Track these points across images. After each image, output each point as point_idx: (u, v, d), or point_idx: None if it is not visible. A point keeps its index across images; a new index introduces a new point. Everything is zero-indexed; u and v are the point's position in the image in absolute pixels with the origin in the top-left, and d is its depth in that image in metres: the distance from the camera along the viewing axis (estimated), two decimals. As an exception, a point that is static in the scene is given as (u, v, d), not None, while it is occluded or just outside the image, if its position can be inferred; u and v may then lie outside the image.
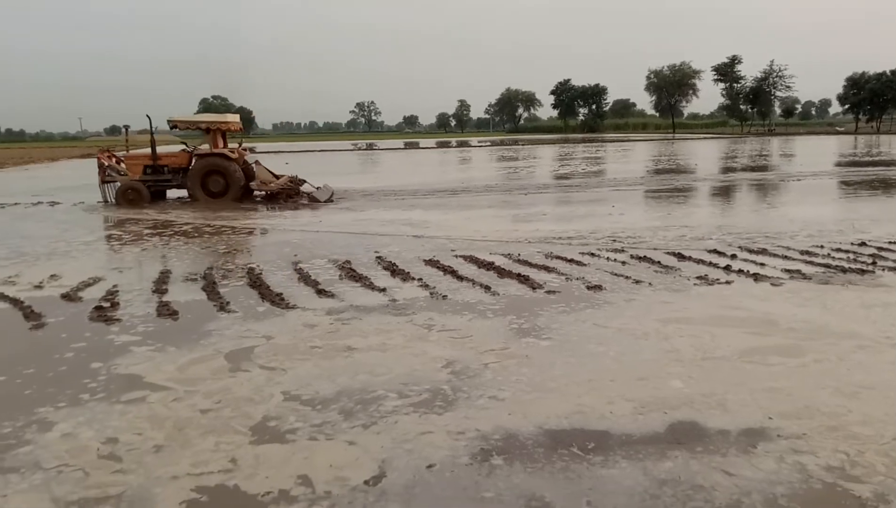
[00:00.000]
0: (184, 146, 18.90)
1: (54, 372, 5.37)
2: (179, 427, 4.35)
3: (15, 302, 7.59)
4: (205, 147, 18.42)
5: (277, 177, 19.19)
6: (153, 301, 7.53)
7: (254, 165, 18.91)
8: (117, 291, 8.03)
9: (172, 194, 19.00)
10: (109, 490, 3.63)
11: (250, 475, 3.76)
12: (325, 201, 17.90)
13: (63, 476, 3.77)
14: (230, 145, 19.08)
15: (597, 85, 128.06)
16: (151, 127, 18.26)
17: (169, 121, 18.19)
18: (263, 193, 18.51)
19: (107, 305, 7.38)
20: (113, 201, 18.03)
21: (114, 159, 18.81)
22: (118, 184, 18.16)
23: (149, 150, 18.43)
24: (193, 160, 18.21)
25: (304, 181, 19.66)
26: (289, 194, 18.45)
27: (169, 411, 4.60)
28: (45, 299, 7.76)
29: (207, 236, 12.52)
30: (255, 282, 8.30)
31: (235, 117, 19.18)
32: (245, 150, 19.31)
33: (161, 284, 8.34)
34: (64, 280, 8.71)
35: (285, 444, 4.12)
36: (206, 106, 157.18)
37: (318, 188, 19.23)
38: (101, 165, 18.47)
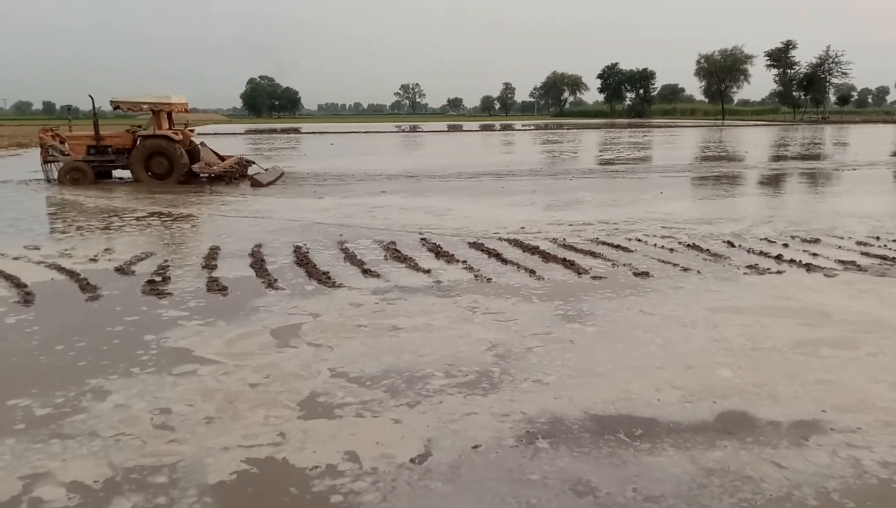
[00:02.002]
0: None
1: (108, 345, 5.52)
2: (230, 400, 4.44)
3: (71, 274, 7.83)
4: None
5: (223, 159, 19.08)
6: (203, 277, 7.68)
7: (199, 146, 18.74)
8: (168, 266, 8.21)
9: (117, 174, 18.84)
10: (164, 458, 3.73)
11: (299, 448, 3.83)
12: (267, 184, 17.73)
13: (120, 444, 3.89)
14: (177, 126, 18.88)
15: (645, 69, 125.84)
16: (94, 107, 18.12)
17: (112, 102, 17.90)
18: (208, 175, 18.37)
19: (159, 279, 7.55)
20: (55, 180, 17.81)
21: (57, 139, 18.41)
22: (60, 163, 17.95)
23: (92, 130, 18.20)
24: (138, 141, 18.02)
25: (253, 163, 19.61)
26: (232, 176, 18.47)
27: (219, 384, 4.70)
28: (99, 271, 7.99)
29: (247, 217, 12.71)
30: (302, 260, 8.41)
31: (181, 98, 18.83)
32: (191, 131, 19.10)
33: (211, 260, 8.50)
34: (117, 254, 8.95)
35: (332, 420, 4.18)
36: (252, 86, 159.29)
37: (266, 170, 19.17)
38: (43, 145, 18.17)
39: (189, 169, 18.07)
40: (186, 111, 19.30)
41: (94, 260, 8.62)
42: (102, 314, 6.38)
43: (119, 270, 8.05)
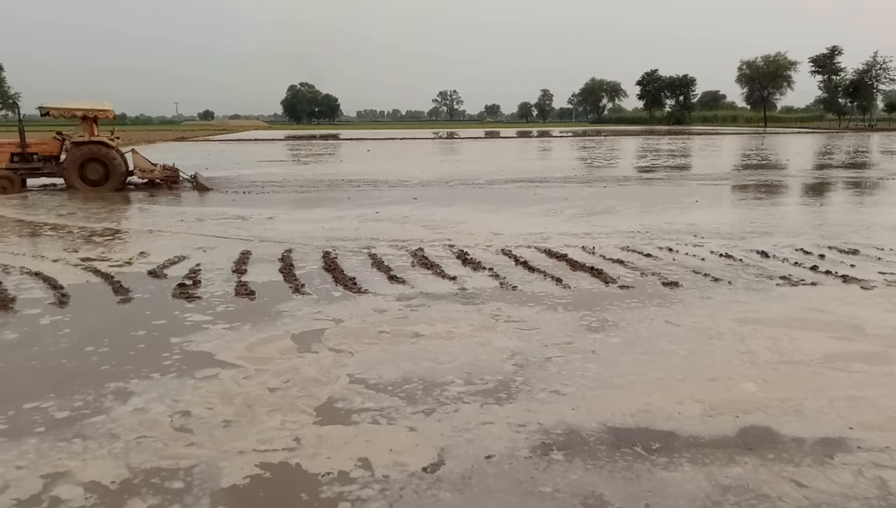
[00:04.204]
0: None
1: (134, 348, 5.61)
2: (248, 404, 4.49)
3: (106, 277, 8.00)
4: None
5: (154, 165, 19.03)
6: (232, 281, 7.78)
7: (130, 153, 18.65)
8: (200, 270, 8.34)
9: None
10: (181, 461, 3.77)
11: (312, 454, 3.84)
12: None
13: (141, 446, 3.95)
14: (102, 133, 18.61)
15: (685, 76, 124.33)
16: (19, 114, 17.96)
17: (41, 108, 17.62)
18: (144, 180, 18.42)
19: (189, 283, 7.68)
20: None
21: None
22: None
23: (16, 137, 17.74)
24: (64, 148, 17.65)
25: (178, 170, 19.45)
26: (172, 182, 18.55)
27: (239, 388, 4.76)
28: (133, 274, 8.15)
29: (280, 222, 12.86)
30: (330, 266, 8.47)
31: (109, 105, 18.59)
32: (117, 138, 18.83)
33: (241, 264, 8.62)
34: (152, 257, 9.12)
35: (348, 426, 4.19)
36: (293, 93, 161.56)
37: (192, 176, 19.06)
38: None
39: (125, 175, 17.96)
40: (114, 118, 19.07)
41: (128, 263, 8.81)
42: (132, 317, 6.50)
43: (152, 273, 8.21)
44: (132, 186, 18.59)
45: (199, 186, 18.36)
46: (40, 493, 3.46)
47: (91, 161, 17.61)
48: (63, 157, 17.81)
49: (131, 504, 3.36)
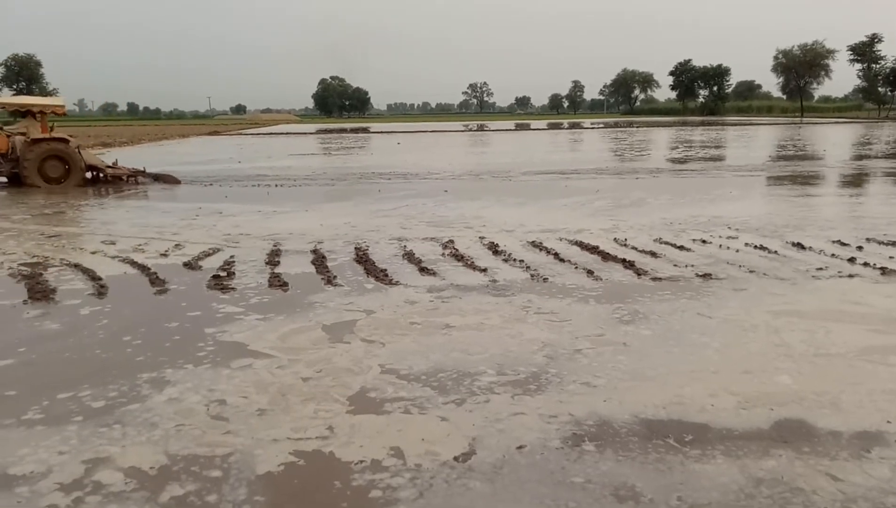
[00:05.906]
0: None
1: (170, 340, 5.71)
2: (282, 393, 4.56)
3: (143, 268, 8.16)
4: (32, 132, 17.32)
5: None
6: (266, 272, 7.88)
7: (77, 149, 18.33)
8: (234, 261, 8.46)
9: None
10: (217, 449, 3.85)
11: (345, 443, 3.89)
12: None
13: (180, 433, 4.03)
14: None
15: (719, 66, 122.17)
16: None
17: None
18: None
19: (223, 274, 7.79)
20: None
21: None
22: None
23: None
24: (11, 144, 17.19)
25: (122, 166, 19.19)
26: (131, 177, 18.48)
27: (273, 377, 4.83)
28: (169, 266, 8.30)
29: (313, 214, 12.97)
30: (362, 258, 8.53)
31: (62, 101, 18.17)
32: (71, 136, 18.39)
33: (274, 256, 8.72)
34: (187, 250, 9.28)
35: (380, 415, 4.23)
36: (324, 86, 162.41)
37: (143, 170, 18.95)
38: None
39: (85, 172, 17.77)
40: (64, 115, 18.58)
41: (164, 255, 8.97)
42: (168, 308, 6.62)
43: (187, 265, 8.35)
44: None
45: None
46: (82, 478, 3.56)
47: (50, 158, 17.31)
48: (9, 154, 17.32)
49: (170, 490, 3.44)
